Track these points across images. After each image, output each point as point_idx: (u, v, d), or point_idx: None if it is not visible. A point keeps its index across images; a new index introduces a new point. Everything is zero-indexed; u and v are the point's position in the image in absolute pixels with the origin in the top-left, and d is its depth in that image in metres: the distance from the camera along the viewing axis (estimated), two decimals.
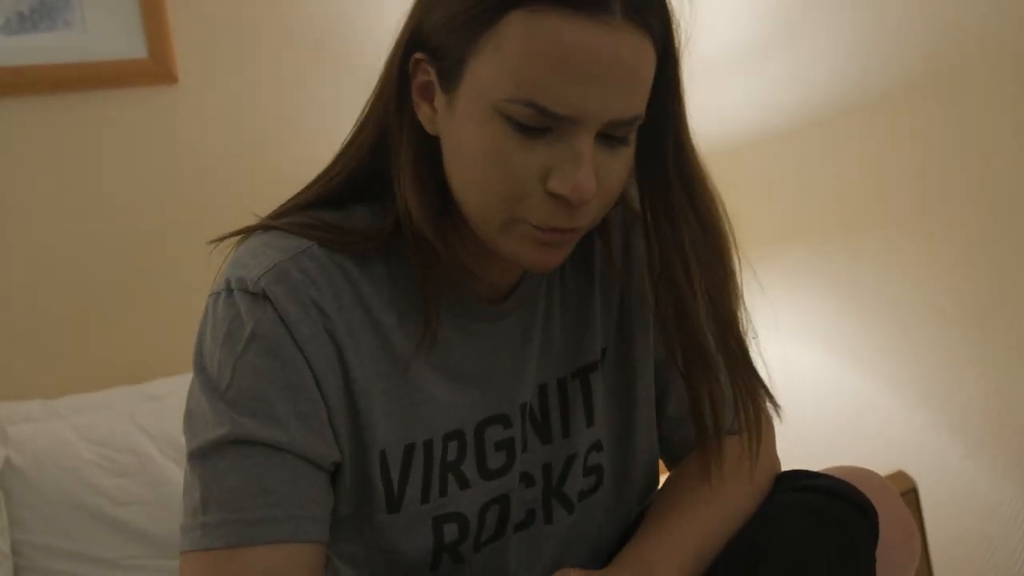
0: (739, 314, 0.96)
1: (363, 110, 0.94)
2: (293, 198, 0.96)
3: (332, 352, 0.88)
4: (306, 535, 0.85)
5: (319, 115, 2.10)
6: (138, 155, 1.99)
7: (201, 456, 0.85)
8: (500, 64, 0.79)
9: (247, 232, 0.93)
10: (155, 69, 1.99)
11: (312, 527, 0.85)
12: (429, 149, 0.89)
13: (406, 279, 0.93)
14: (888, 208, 1.96)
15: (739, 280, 0.97)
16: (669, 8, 0.84)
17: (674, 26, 0.85)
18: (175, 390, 1.80)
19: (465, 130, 0.83)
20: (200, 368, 0.87)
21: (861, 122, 1.97)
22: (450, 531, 0.96)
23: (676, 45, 0.86)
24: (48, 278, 1.91)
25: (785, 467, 1.09)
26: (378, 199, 0.94)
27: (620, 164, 0.85)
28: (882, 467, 2.00)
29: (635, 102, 0.82)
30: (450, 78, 0.83)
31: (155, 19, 1.98)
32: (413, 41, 0.87)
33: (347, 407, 0.90)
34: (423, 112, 0.88)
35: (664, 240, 0.94)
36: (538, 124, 0.80)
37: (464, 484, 0.96)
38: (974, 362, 1.84)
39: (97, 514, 1.60)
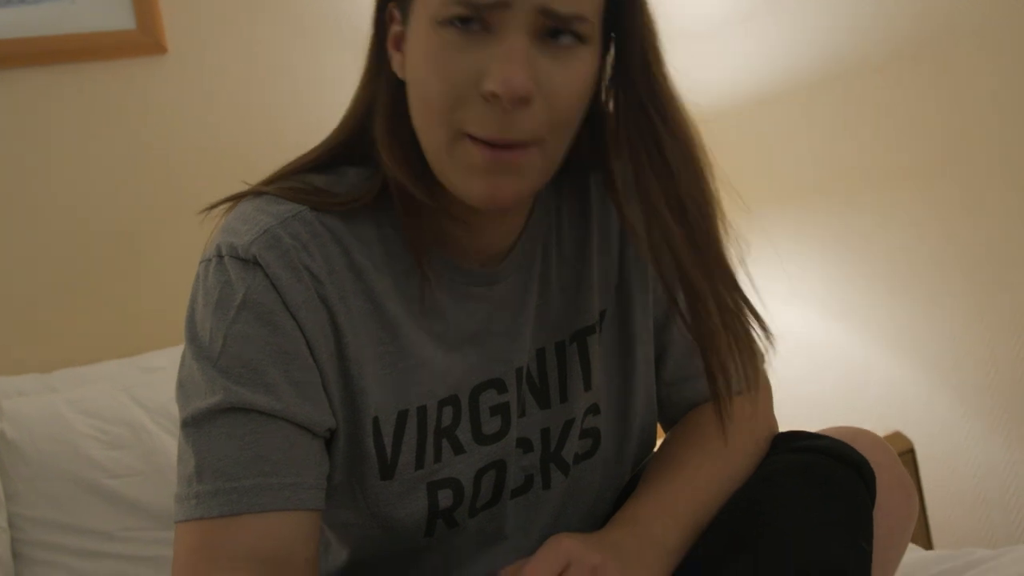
0: (721, 237, 0.93)
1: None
2: (287, 164, 0.96)
3: (324, 317, 0.87)
4: (301, 503, 0.84)
5: (308, 84, 2.09)
6: (128, 126, 1.97)
7: (194, 424, 0.84)
8: None
9: (237, 199, 0.92)
10: (144, 40, 1.98)
11: (307, 495, 0.85)
12: (404, 100, 0.88)
13: (397, 243, 0.92)
14: (883, 172, 1.95)
15: (719, 204, 0.94)
16: None
17: None
18: (169, 362, 1.79)
19: (415, 53, 0.84)
20: (192, 336, 0.87)
21: (851, 85, 1.97)
22: (444, 496, 0.96)
23: None
24: (40, 251, 1.90)
25: (783, 429, 1.08)
26: (369, 162, 0.93)
27: (569, 72, 0.83)
28: (879, 428, 2.01)
29: None
30: (406, 9, 0.84)
31: None
32: None
33: (340, 373, 0.89)
34: (396, 60, 0.88)
35: (642, 167, 0.90)
36: (471, 20, 0.79)
37: (459, 449, 0.96)
38: (970, 322, 1.84)
39: (93, 487, 1.60)
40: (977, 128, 1.76)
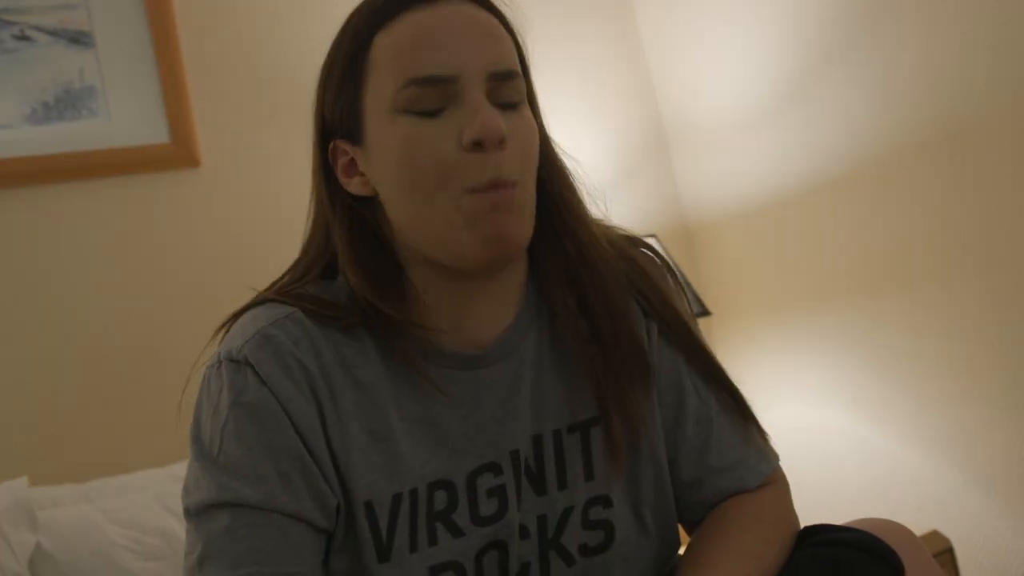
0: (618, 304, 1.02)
1: (308, 210, 1.03)
2: (284, 275, 1.03)
3: (315, 409, 0.92)
4: None
5: None
6: (164, 236, 2.02)
7: (196, 516, 0.88)
8: (380, 76, 0.91)
9: (245, 310, 0.98)
10: (178, 153, 2.03)
11: None
12: (362, 224, 0.96)
13: (383, 336, 0.96)
14: (907, 266, 1.96)
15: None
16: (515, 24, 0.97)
17: (520, 38, 0.97)
18: None
19: (383, 151, 0.91)
20: (195, 438, 0.92)
21: (875, 183, 1.98)
22: None
23: (525, 58, 0.97)
24: (77, 361, 1.93)
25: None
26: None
27: (522, 122, 0.93)
28: (915, 527, 1.97)
29: (504, 54, 0.92)
30: (357, 128, 0.93)
31: (177, 105, 2.03)
32: (324, 132, 0.98)
33: (332, 460, 0.93)
34: (354, 184, 0.96)
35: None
36: (432, 102, 0.89)
37: (456, 532, 0.96)
38: (1002, 417, 1.83)
39: None
40: (997, 221, 1.76)
